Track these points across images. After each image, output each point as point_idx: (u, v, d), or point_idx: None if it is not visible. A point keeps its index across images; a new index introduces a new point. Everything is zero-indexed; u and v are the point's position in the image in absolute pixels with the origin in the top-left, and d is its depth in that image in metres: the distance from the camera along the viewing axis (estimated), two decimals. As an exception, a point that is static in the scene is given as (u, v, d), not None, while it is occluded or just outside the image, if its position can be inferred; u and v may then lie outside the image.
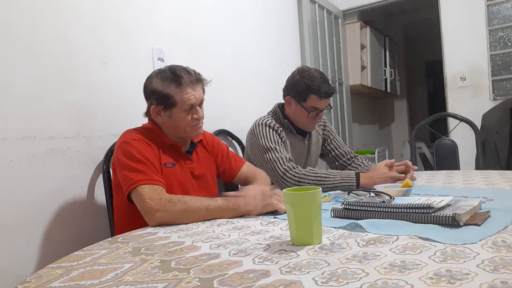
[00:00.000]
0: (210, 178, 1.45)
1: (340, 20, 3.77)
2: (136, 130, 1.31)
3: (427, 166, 4.58)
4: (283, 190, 0.83)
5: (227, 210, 1.10)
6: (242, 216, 1.12)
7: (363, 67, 4.09)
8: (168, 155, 1.31)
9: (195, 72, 1.31)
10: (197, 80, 1.30)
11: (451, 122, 3.18)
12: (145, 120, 1.41)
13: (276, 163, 1.53)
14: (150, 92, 1.30)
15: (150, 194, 1.11)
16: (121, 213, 1.28)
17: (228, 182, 1.58)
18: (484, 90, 3.17)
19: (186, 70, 1.29)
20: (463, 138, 2.80)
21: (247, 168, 1.53)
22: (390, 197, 0.99)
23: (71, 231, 1.42)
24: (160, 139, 1.31)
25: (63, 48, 1.43)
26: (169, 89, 1.25)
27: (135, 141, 1.23)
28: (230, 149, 1.57)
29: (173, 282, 0.64)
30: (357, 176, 1.47)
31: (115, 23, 1.64)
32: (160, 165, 1.27)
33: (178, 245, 0.87)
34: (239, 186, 1.65)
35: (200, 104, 1.32)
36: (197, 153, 1.42)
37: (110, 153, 1.53)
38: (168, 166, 1.29)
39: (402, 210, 0.90)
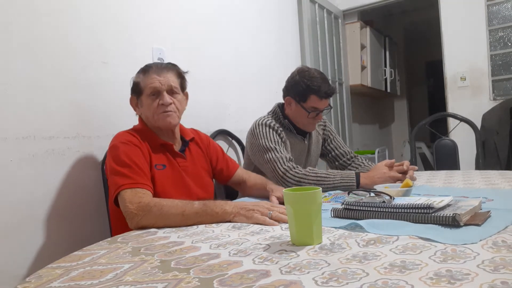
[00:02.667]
0: (205, 176, 1.44)
1: (340, 20, 3.77)
2: (127, 132, 1.30)
3: (427, 166, 4.58)
4: (283, 190, 0.83)
5: (204, 215, 1.05)
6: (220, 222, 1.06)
7: (363, 67, 4.09)
8: (159, 155, 1.30)
9: (169, 63, 1.35)
10: (167, 67, 1.32)
11: (451, 122, 3.18)
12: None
13: (276, 163, 1.53)
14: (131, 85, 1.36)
15: (131, 198, 1.10)
16: (116, 216, 1.28)
17: (223, 183, 1.58)
18: (484, 90, 3.17)
19: (159, 62, 1.35)
20: (463, 138, 2.80)
21: (242, 171, 1.56)
22: (390, 197, 0.98)
23: (71, 231, 1.42)
24: (151, 139, 1.31)
25: (63, 48, 1.43)
26: (138, 78, 1.33)
27: (123, 144, 1.23)
28: (229, 149, 1.58)
29: (173, 282, 0.63)
30: (357, 176, 1.47)
31: (115, 23, 1.64)
32: (151, 167, 1.26)
33: (178, 245, 0.87)
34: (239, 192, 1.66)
35: (170, 91, 1.30)
36: (190, 151, 1.41)
37: (110, 153, 1.53)
38: (158, 168, 1.28)
39: (402, 210, 0.90)
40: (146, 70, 1.31)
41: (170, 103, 1.29)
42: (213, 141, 1.56)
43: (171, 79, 1.31)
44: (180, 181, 1.33)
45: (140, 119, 1.38)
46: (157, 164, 1.28)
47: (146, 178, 1.19)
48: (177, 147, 1.38)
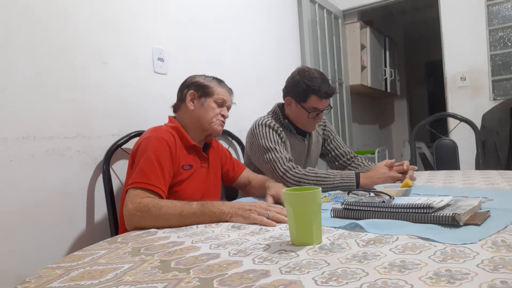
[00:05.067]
0: (219, 177, 1.50)
1: (340, 20, 3.77)
2: (165, 129, 1.33)
3: (427, 166, 4.58)
4: (283, 190, 0.83)
5: (202, 216, 1.06)
6: (219, 222, 1.06)
7: (363, 67, 4.09)
8: (188, 156, 1.34)
9: (230, 89, 1.50)
10: (232, 91, 1.50)
11: (451, 122, 3.18)
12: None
13: (276, 163, 1.53)
14: (190, 83, 1.44)
15: (134, 197, 1.11)
16: None
17: (229, 185, 1.59)
18: (484, 90, 3.17)
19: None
20: (463, 138, 2.80)
21: (248, 173, 1.59)
22: (390, 197, 0.99)
23: (71, 231, 1.42)
24: (184, 139, 1.35)
25: (63, 48, 1.43)
26: (211, 83, 1.43)
27: (157, 139, 1.25)
28: (229, 149, 1.58)
29: (173, 282, 0.64)
30: (357, 176, 1.47)
31: (115, 23, 1.64)
32: (178, 167, 1.29)
33: (178, 245, 0.87)
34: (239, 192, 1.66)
35: (228, 108, 1.47)
36: (209, 155, 1.47)
37: (110, 153, 1.52)
38: (185, 168, 1.32)
39: (402, 210, 0.90)
40: (219, 81, 1.46)
41: (227, 117, 1.45)
42: (220, 143, 1.60)
43: (231, 101, 1.49)
44: (202, 182, 1.38)
45: (172, 119, 1.42)
46: (184, 164, 1.32)
47: (163, 182, 1.20)
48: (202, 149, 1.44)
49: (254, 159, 1.65)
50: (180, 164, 1.30)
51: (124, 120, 1.63)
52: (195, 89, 1.41)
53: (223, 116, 1.42)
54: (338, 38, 3.72)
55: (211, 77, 1.46)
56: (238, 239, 0.88)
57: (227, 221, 1.05)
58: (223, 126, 1.44)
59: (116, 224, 1.47)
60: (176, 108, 1.45)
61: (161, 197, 1.16)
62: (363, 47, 4.13)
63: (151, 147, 1.22)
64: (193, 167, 1.35)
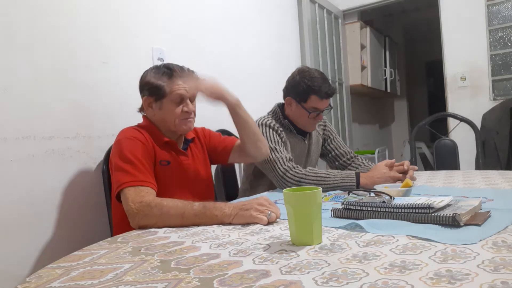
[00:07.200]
0: (205, 173, 1.46)
1: (340, 20, 3.77)
2: (132, 128, 1.32)
3: (427, 166, 4.58)
4: (283, 190, 0.83)
5: (203, 218, 1.05)
6: (221, 224, 1.04)
7: (363, 67, 4.09)
8: (163, 152, 1.32)
9: (189, 69, 1.35)
10: (188, 72, 1.34)
11: (451, 122, 3.18)
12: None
13: (276, 163, 1.53)
14: (143, 84, 1.34)
15: (133, 197, 1.11)
16: (117, 212, 1.29)
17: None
18: (484, 90, 3.17)
19: (180, 67, 1.33)
20: (463, 138, 2.80)
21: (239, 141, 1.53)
22: (390, 197, 0.98)
23: (71, 231, 1.42)
24: (156, 136, 1.32)
25: (63, 48, 1.43)
26: (161, 80, 1.30)
27: (127, 139, 1.24)
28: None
29: (173, 282, 0.64)
30: (357, 176, 1.47)
31: (115, 23, 1.64)
32: (155, 163, 1.28)
33: (178, 245, 0.87)
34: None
35: (192, 99, 1.34)
36: (191, 150, 1.44)
37: (109, 153, 1.52)
38: (163, 164, 1.30)
39: (402, 210, 0.90)
40: (169, 74, 1.29)
41: (193, 111, 1.34)
42: (209, 129, 1.57)
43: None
44: (184, 177, 1.36)
45: (145, 117, 1.39)
46: (161, 160, 1.30)
47: (149, 175, 1.20)
48: (179, 145, 1.40)
49: (254, 159, 1.65)
50: (158, 160, 1.29)
51: (124, 120, 1.62)
52: (149, 93, 1.31)
53: (187, 112, 1.31)
54: (338, 38, 3.72)
55: (163, 69, 1.31)
56: (238, 239, 0.87)
57: (230, 223, 1.04)
58: (192, 122, 1.35)
59: (116, 224, 1.47)
60: (142, 109, 1.40)
61: (154, 190, 1.17)
62: (363, 47, 4.13)
63: (125, 148, 1.21)
64: (170, 163, 1.33)
